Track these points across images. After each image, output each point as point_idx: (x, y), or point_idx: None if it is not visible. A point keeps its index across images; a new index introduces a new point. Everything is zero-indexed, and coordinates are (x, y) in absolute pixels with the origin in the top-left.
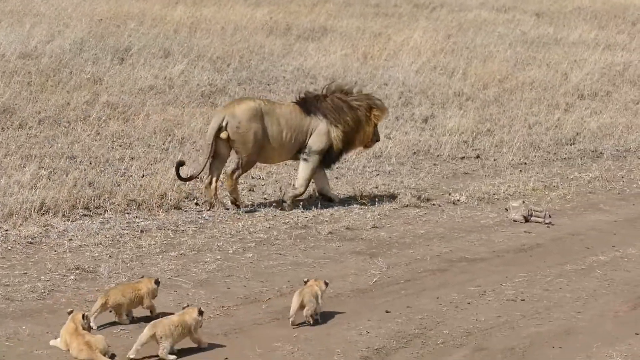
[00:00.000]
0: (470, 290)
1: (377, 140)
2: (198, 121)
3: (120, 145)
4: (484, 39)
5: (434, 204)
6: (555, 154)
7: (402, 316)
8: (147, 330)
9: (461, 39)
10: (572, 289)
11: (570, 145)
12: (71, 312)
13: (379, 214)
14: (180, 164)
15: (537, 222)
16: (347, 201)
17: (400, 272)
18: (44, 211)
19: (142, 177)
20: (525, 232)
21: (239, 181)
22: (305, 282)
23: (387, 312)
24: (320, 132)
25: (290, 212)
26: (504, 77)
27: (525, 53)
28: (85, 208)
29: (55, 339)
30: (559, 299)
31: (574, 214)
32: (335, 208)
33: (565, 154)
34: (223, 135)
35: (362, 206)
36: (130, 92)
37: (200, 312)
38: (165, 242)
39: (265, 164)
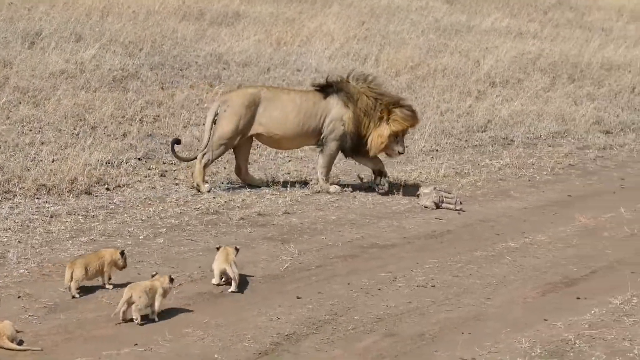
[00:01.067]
0: (381, 276)
1: (400, 151)
2: (109, 106)
3: (31, 130)
4: (396, 25)
5: (345, 190)
6: (466, 141)
7: (313, 302)
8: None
9: (374, 25)
10: (481, 275)
11: (482, 132)
12: None
13: (290, 200)
14: (176, 141)
15: (447, 208)
16: (259, 187)
17: (312, 258)
18: None
19: (52, 162)
20: (436, 218)
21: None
22: (153, 276)
23: (298, 298)
24: (334, 117)
25: (202, 198)
26: (417, 64)
27: (437, 40)
28: None
29: None
30: (469, 285)
31: (485, 201)
32: (247, 194)
33: (477, 141)
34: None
35: (274, 192)
36: (41, 76)
37: (171, 280)
38: (75, 227)
39: (281, 149)
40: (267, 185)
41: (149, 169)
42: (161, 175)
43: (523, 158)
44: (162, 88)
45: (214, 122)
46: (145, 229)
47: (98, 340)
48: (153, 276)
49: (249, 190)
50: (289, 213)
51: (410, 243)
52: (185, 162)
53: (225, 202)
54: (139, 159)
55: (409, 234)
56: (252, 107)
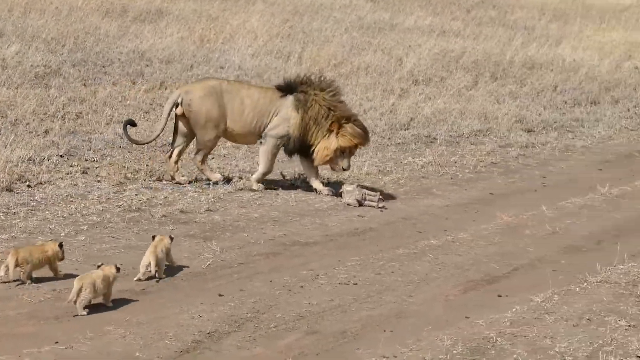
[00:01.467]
0: (303, 274)
1: (345, 167)
2: (31, 102)
3: None
4: (320, 23)
5: (268, 188)
6: (389, 139)
7: (235, 300)
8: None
9: (297, 23)
10: (404, 272)
11: (405, 130)
12: None
13: (213, 198)
14: (130, 122)
15: (370, 206)
16: (181, 184)
17: (234, 256)
18: None
19: None
20: (358, 216)
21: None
22: (99, 267)
23: (220, 295)
24: (281, 116)
25: (124, 195)
26: (340, 62)
27: (360, 38)
28: None
29: None
30: (391, 282)
31: (407, 199)
32: (170, 191)
33: (400, 139)
34: (178, 110)
35: (197, 189)
36: None
37: (118, 269)
38: None
39: (236, 144)
40: (189, 183)
41: (71, 166)
42: (83, 173)
43: (445, 156)
44: (84, 85)
45: (171, 110)
46: (66, 226)
47: (18, 338)
48: (99, 266)
49: (171, 187)
50: (211, 210)
51: (332, 241)
52: (137, 145)
53: (148, 199)
54: (60, 156)
55: (331, 232)
56: (217, 98)
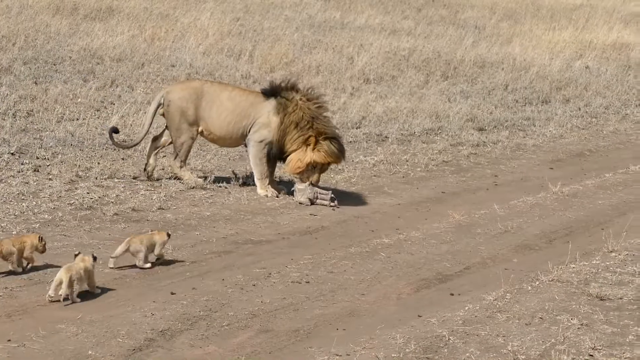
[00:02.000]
0: (255, 272)
1: (313, 182)
2: None
3: None
4: (271, 22)
5: (220, 186)
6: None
7: (187, 298)
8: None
9: (248, 21)
10: (356, 271)
11: (356, 128)
12: None
13: (165, 196)
14: (114, 130)
15: (322, 204)
16: (133, 182)
17: (186, 254)
18: None
19: None
20: (310, 214)
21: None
22: (76, 256)
23: (172, 293)
24: (262, 121)
25: (75, 193)
26: (291, 61)
27: (312, 37)
28: None
29: None
30: (344, 281)
31: (359, 197)
32: (121, 189)
33: (351, 137)
34: (160, 111)
35: (149, 188)
36: None
37: (95, 258)
38: None
39: (222, 147)
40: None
41: (22, 164)
42: (34, 170)
43: (397, 155)
44: (35, 83)
45: (156, 110)
46: (18, 224)
47: None
48: (76, 255)
49: (123, 185)
50: (163, 209)
51: (284, 239)
52: (127, 150)
53: (99, 197)
54: (12, 153)
55: (283, 230)
56: (195, 100)
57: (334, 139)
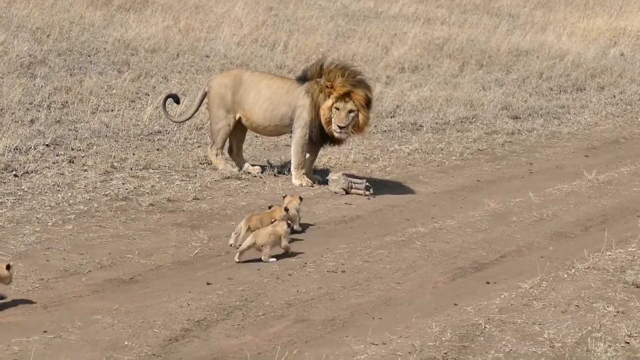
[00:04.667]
0: (291, 262)
1: (339, 124)
2: (17, 92)
3: None
4: (305, 12)
5: (255, 176)
6: (375, 126)
7: (223, 288)
8: None
9: (282, 11)
10: (391, 260)
11: (391, 117)
12: None
13: (200, 186)
14: (175, 97)
15: (357, 194)
16: (168, 173)
17: (222, 244)
18: None
19: None
20: (345, 204)
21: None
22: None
23: (208, 284)
24: (300, 104)
25: (110, 184)
26: (326, 50)
27: (346, 26)
28: None
29: None
30: (379, 270)
31: (394, 186)
32: (157, 180)
33: (386, 126)
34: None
35: (184, 178)
36: None
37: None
38: None
39: (263, 135)
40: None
41: (57, 155)
42: (70, 162)
43: (432, 143)
44: (70, 74)
45: (203, 98)
46: (54, 216)
47: (6, 327)
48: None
49: (158, 176)
50: (198, 199)
51: (320, 228)
52: (174, 122)
53: (135, 188)
54: (47, 145)
55: (319, 220)
56: (233, 86)
57: (350, 74)
